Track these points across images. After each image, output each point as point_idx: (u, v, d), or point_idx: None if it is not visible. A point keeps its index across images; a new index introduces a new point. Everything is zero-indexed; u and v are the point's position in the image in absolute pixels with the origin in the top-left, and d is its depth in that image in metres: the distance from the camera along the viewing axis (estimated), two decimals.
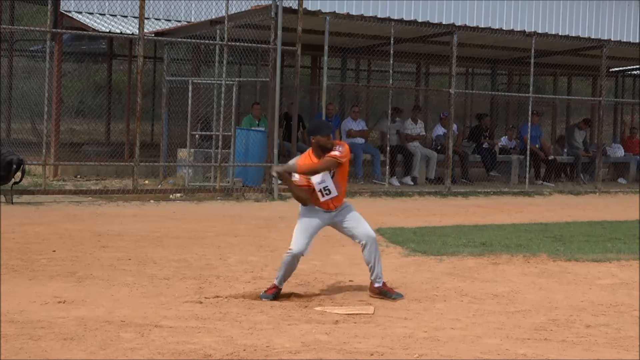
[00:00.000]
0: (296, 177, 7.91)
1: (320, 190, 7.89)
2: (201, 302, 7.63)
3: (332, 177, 7.91)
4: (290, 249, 7.92)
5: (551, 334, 6.91)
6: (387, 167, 18.26)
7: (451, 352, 6.28)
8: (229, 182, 16.71)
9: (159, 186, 16.71)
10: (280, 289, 7.98)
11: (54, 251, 9.93)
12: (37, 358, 5.80)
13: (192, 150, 17.27)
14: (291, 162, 8.07)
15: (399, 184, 19.02)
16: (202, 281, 8.57)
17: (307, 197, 7.93)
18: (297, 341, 6.42)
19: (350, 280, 8.71)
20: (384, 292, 8.06)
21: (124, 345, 6.15)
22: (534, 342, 6.66)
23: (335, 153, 7.87)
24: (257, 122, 18.32)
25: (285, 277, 7.99)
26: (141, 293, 7.96)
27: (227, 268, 9.34)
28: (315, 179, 7.87)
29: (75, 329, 6.52)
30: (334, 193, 7.91)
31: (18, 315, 6.90)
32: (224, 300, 7.76)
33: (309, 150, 8.06)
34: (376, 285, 8.09)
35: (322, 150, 7.91)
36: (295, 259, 7.93)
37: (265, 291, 7.96)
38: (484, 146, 21.10)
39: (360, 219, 8.07)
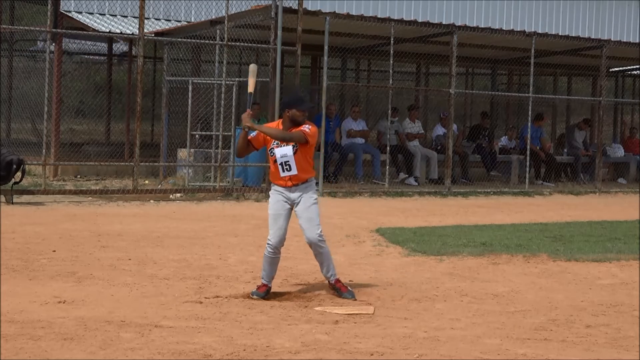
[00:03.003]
0: (253, 134, 8.02)
1: (281, 164, 7.91)
2: (201, 302, 7.63)
3: (293, 154, 7.89)
4: (268, 242, 7.96)
5: (551, 334, 6.92)
6: (387, 167, 18.26)
7: (451, 352, 6.28)
8: (229, 182, 16.71)
9: (159, 186, 16.71)
10: (270, 287, 8.00)
11: (54, 251, 9.93)
12: (37, 358, 5.80)
13: (192, 150, 17.27)
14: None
15: (400, 181, 19.04)
16: (202, 281, 8.58)
17: (243, 147, 8.03)
18: (297, 341, 6.42)
19: (350, 280, 8.71)
20: (336, 289, 8.09)
21: (124, 345, 6.15)
22: (534, 342, 6.66)
23: (305, 129, 7.87)
24: (256, 122, 18.28)
25: (270, 272, 8.00)
26: (141, 293, 7.96)
27: (227, 268, 9.34)
28: (279, 152, 7.89)
29: (75, 329, 6.52)
30: (294, 171, 7.90)
31: (18, 315, 6.90)
32: (224, 300, 7.76)
33: (278, 122, 8.12)
34: (330, 282, 8.14)
35: (293, 124, 7.92)
36: (275, 250, 7.96)
37: (257, 288, 7.98)
38: (482, 145, 21.11)
39: (313, 219, 7.97)
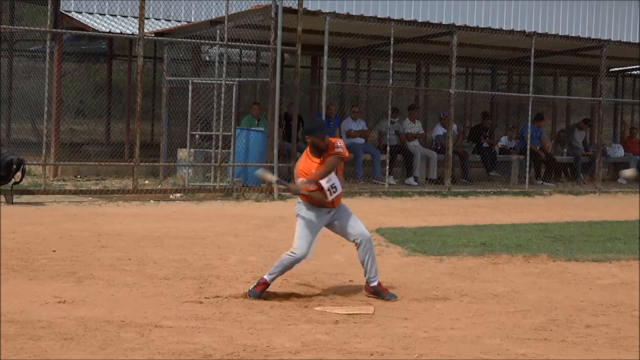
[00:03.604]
0: (307, 184, 7.78)
1: (328, 189, 7.82)
2: (201, 302, 7.63)
3: (336, 173, 7.88)
4: (294, 253, 7.87)
5: (551, 334, 6.92)
6: (387, 167, 18.26)
7: (451, 352, 6.28)
8: (229, 182, 16.71)
9: (159, 186, 16.71)
10: (269, 285, 7.97)
11: (54, 251, 9.93)
12: (37, 358, 5.80)
13: (192, 150, 17.27)
14: (297, 183, 7.88)
15: (394, 183, 19.02)
16: (202, 281, 8.58)
17: (321, 198, 7.87)
18: (297, 341, 6.42)
19: (350, 280, 8.71)
20: (378, 292, 8.07)
21: (124, 345, 6.15)
22: (534, 342, 6.67)
23: (338, 150, 7.83)
24: (256, 122, 18.33)
25: (279, 275, 8.00)
26: (141, 293, 7.96)
27: (227, 268, 9.34)
28: (324, 180, 7.81)
29: (75, 329, 6.52)
30: (340, 190, 7.90)
31: (18, 315, 6.90)
32: (224, 300, 7.76)
33: (307, 150, 7.99)
34: (371, 284, 8.11)
35: (318, 149, 7.88)
36: (297, 262, 7.94)
37: (255, 287, 7.93)
38: (484, 145, 21.11)
39: (356, 218, 8.09)
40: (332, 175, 7.85)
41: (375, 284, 8.09)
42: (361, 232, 8.03)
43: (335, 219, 8.03)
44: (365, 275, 8.12)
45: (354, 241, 8.06)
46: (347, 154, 7.93)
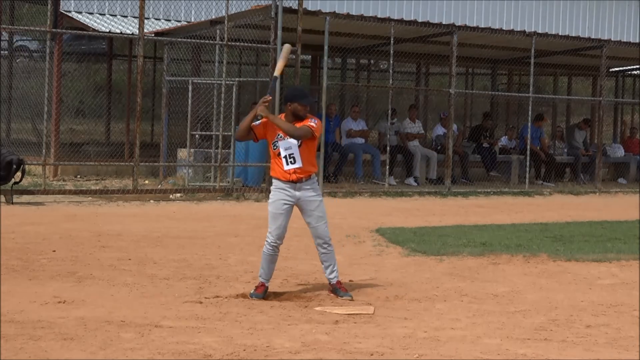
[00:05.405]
0: (257, 122, 7.97)
1: (285, 157, 7.85)
2: (201, 302, 7.63)
3: (298, 146, 7.87)
4: (267, 239, 7.95)
5: (551, 334, 6.92)
6: (387, 167, 18.26)
7: (451, 352, 6.28)
8: (229, 182, 16.70)
9: (159, 186, 16.71)
10: (268, 287, 7.98)
11: (54, 251, 9.93)
12: (37, 358, 5.80)
13: (192, 150, 17.26)
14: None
15: (395, 183, 19.00)
16: (202, 281, 8.58)
17: (244, 131, 7.98)
18: (297, 341, 6.42)
19: (350, 280, 8.71)
20: (336, 290, 8.08)
21: (124, 345, 6.15)
22: (534, 342, 6.67)
23: (311, 124, 7.88)
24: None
25: (269, 270, 7.98)
26: (141, 293, 7.96)
27: (227, 268, 9.34)
28: (283, 145, 7.86)
29: (75, 329, 6.52)
30: (298, 164, 7.86)
31: (18, 315, 6.90)
32: (224, 300, 7.76)
33: (281, 116, 8.08)
34: (332, 282, 8.12)
35: (295, 118, 7.91)
36: (274, 248, 7.95)
37: (255, 289, 7.95)
38: (484, 145, 21.11)
39: (322, 219, 8.02)
40: (294, 146, 7.86)
41: (334, 282, 8.11)
42: (321, 235, 8.04)
43: (305, 208, 7.97)
44: (325, 274, 8.16)
45: (315, 241, 8.09)
46: (318, 133, 7.93)
